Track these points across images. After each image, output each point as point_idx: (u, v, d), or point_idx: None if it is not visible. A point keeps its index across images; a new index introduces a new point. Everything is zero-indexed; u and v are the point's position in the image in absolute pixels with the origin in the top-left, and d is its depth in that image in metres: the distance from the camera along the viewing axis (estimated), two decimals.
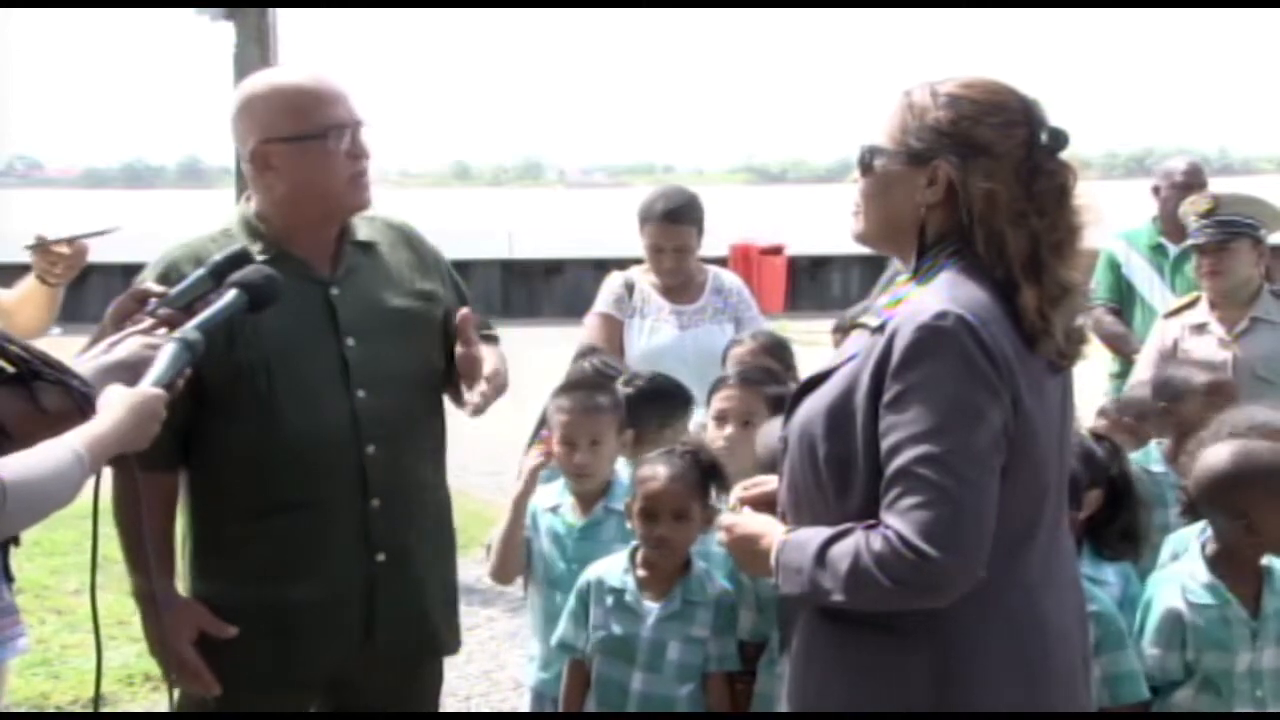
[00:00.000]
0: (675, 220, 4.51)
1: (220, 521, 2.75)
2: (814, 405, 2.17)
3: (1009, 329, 2.06)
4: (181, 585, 2.79)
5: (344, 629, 2.76)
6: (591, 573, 3.02)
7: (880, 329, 2.09)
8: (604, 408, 3.28)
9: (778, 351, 3.99)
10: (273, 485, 2.66)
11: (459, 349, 2.80)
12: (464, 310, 2.84)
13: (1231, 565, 2.81)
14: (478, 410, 2.75)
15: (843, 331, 4.28)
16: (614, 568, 2.99)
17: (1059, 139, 2.15)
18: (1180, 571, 2.86)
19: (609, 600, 2.95)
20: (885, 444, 2.02)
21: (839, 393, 2.12)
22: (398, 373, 2.78)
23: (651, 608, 2.92)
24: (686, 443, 3.08)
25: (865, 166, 2.22)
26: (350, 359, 2.73)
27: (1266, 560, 2.84)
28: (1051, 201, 2.11)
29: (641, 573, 2.96)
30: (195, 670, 2.70)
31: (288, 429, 2.66)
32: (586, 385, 3.41)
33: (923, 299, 2.07)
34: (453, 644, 3.00)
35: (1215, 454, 2.83)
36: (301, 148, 2.68)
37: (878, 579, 1.98)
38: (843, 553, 2.03)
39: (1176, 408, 3.74)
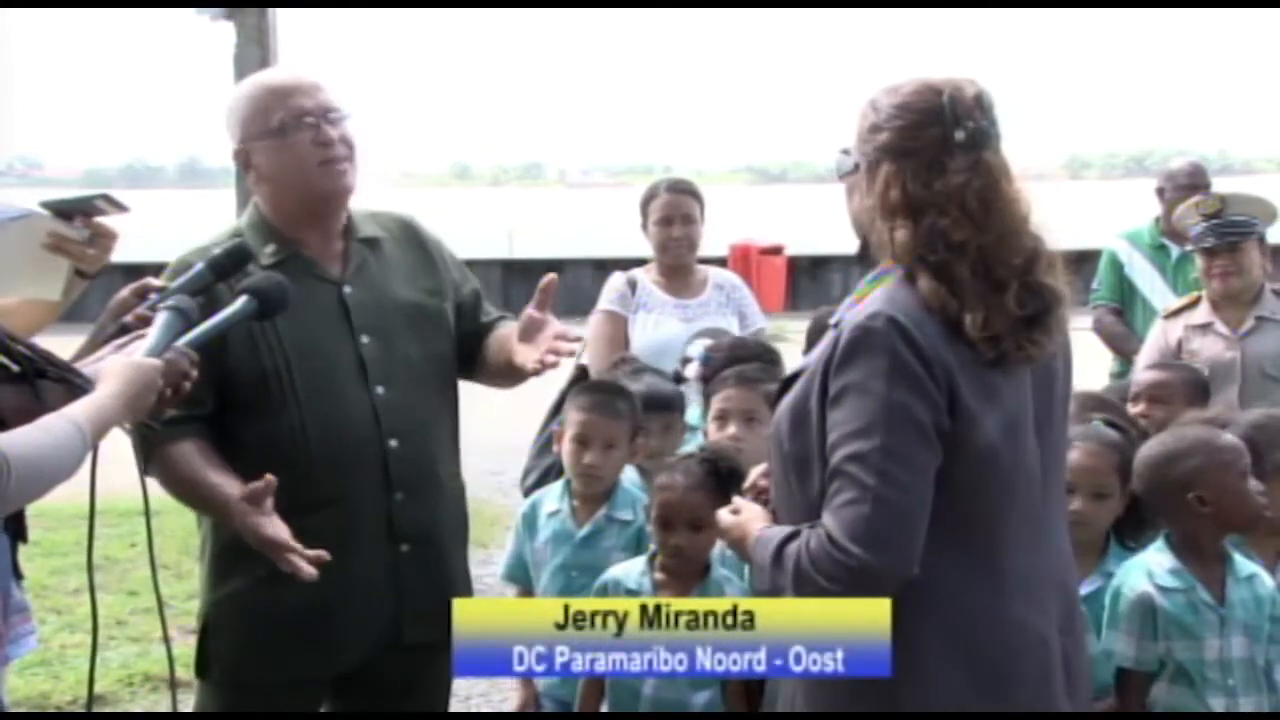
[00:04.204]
0: (681, 190, 4.65)
1: None
2: (783, 404, 2.21)
3: (949, 331, 2.05)
4: (213, 585, 2.81)
5: (374, 621, 2.78)
6: (609, 574, 3.01)
7: (838, 326, 2.13)
8: (622, 413, 3.28)
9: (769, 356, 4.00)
10: (300, 485, 2.66)
11: (532, 312, 2.79)
12: (551, 276, 2.84)
13: (1194, 550, 2.84)
14: (539, 369, 2.74)
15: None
16: (632, 570, 2.98)
17: (977, 137, 2.11)
18: (1147, 559, 2.89)
19: None
20: (828, 443, 2.06)
21: (800, 392, 2.16)
22: (412, 367, 2.83)
23: None
24: (707, 449, 3.07)
25: (841, 171, 2.27)
26: (366, 356, 2.77)
27: (1226, 543, 2.87)
28: (954, 201, 2.08)
29: (659, 576, 2.94)
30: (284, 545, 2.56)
31: (312, 429, 2.71)
32: (608, 389, 3.42)
33: (870, 301, 2.10)
34: None
35: (1147, 446, 2.95)
36: (270, 145, 2.74)
37: (815, 578, 2.01)
38: (791, 552, 2.07)
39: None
